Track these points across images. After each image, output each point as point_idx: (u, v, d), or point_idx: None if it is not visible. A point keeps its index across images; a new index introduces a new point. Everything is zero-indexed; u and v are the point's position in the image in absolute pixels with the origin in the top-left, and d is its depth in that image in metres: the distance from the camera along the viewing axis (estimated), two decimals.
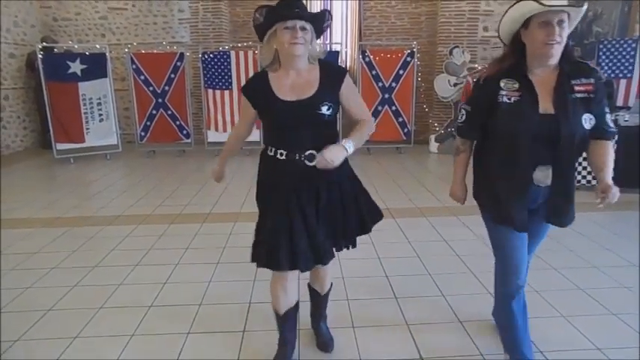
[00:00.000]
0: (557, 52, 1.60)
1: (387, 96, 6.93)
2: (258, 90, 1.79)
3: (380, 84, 6.90)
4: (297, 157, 1.75)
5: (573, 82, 1.66)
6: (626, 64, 6.16)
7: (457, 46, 6.87)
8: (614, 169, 1.71)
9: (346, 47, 7.81)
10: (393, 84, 6.92)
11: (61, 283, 2.86)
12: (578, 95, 1.66)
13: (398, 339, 2.28)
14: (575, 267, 3.07)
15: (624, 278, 2.88)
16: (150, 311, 2.54)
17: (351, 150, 1.71)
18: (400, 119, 7.01)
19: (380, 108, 6.98)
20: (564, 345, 2.21)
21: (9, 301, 2.65)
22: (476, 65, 6.95)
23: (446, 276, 2.94)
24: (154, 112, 6.85)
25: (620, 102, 6.01)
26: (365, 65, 6.86)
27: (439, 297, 2.69)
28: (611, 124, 1.73)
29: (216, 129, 6.93)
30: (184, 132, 7.00)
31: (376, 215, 2.00)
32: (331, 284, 2.18)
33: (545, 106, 1.66)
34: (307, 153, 1.75)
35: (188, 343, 2.24)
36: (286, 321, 1.98)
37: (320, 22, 1.76)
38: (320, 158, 1.64)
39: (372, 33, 7.77)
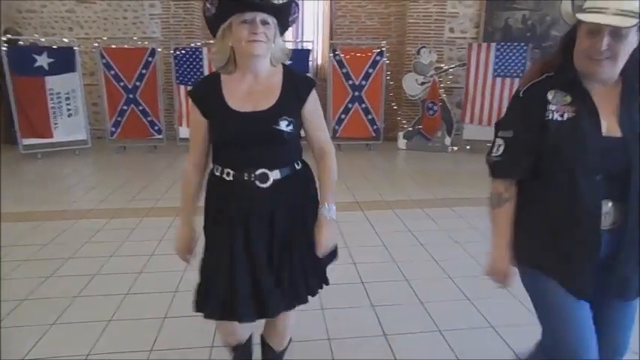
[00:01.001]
0: (608, 70, 1.22)
1: (357, 94, 7.12)
2: (208, 95, 1.49)
3: (350, 82, 7.08)
4: (245, 177, 1.46)
5: None
6: None
7: (424, 47, 7.12)
8: None
9: (317, 45, 7.95)
10: (363, 82, 7.11)
11: (34, 275, 2.89)
12: None
13: (362, 315, 2.44)
14: None
15: None
16: (126, 299, 2.62)
17: (334, 214, 1.54)
18: (370, 116, 7.21)
19: (350, 105, 7.16)
20: None
21: None
22: (442, 65, 7.23)
23: (409, 263, 3.14)
24: (125, 107, 6.80)
25: None
26: (335, 63, 7.02)
27: (403, 281, 2.88)
28: None
29: (188, 125, 6.91)
30: (156, 128, 6.98)
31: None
32: (290, 340, 1.86)
33: (609, 126, 1.26)
34: (259, 172, 1.46)
35: (165, 328, 2.34)
36: (237, 353, 1.80)
37: (285, 15, 1.46)
38: (319, 246, 1.49)
39: (342, 32, 7.94)
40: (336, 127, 7.19)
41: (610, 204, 1.25)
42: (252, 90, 1.47)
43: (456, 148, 7.15)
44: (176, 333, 2.29)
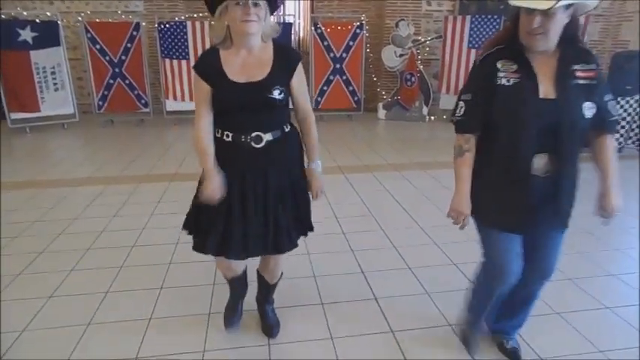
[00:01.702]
0: (542, 43, 1.47)
1: (338, 66, 7.37)
2: (210, 68, 1.69)
3: (331, 54, 7.31)
4: (242, 139, 1.69)
5: (575, 67, 1.52)
6: None
7: (402, 19, 7.36)
8: None
9: (299, 19, 8.11)
10: (344, 54, 7.35)
11: (43, 234, 3.17)
12: (580, 82, 1.52)
13: (343, 258, 2.81)
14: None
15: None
16: (132, 250, 2.92)
17: (320, 168, 1.85)
18: (350, 88, 7.49)
19: (331, 77, 7.41)
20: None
21: None
22: (420, 37, 7.50)
23: (385, 216, 3.51)
24: (112, 81, 6.92)
25: None
26: (317, 36, 7.23)
27: (379, 231, 3.25)
28: (614, 112, 1.60)
29: (175, 98, 7.12)
30: (142, 101, 7.13)
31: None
32: (281, 274, 2.14)
33: (546, 90, 1.52)
34: (254, 135, 1.69)
35: (170, 272, 2.67)
36: (234, 282, 2.08)
37: None
38: (314, 196, 1.86)
39: (323, 6, 8.09)
40: (319, 99, 7.46)
41: (546, 156, 1.54)
42: (245, 63, 1.68)
43: (433, 117, 7.51)
44: (180, 277, 2.62)
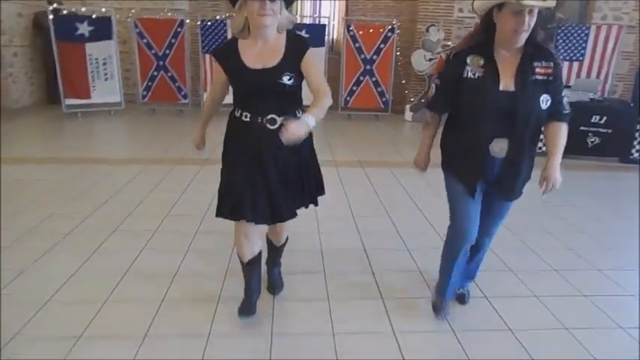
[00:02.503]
0: (523, 39, 1.74)
1: (368, 67, 7.65)
2: (228, 56, 1.90)
3: (362, 56, 7.60)
4: (259, 120, 1.89)
5: (535, 63, 1.78)
6: (579, 47, 6.96)
7: (433, 25, 7.57)
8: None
9: (333, 21, 8.45)
10: (374, 57, 7.63)
11: (92, 200, 3.63)
12: (538, 77, 1.78)
13: (349, 236, 3.11)
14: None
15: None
16: (166, 218, 3.33)
17: (312, 124, 1.73)
18: (379, 89, 7.76)
19: (361, 78, 7.71)
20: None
21: (28, 229, 3.41)
22: (449, 43, 7.67)
23: (393, 205, 3.78)
24: (155, 73, 7.48)
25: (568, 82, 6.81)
26: (349, 38, 7.54)
27: (385, 217, 3.53)
28: (567, 107, 1.88)
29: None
30: (182, 93, 7.66)
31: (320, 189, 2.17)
32: (287, 238, 2.37)
33: (506, 83, 1.79)
34: (269, 117, 1.88)
35: (196, 238, 3.05)
36: (251, 269, 2.14)
37: None
38: (284, 132, 1.67)
39: (357, 9, 8.40)
40: (348, 98, 7.77)
41: (505, 140, 1.85)
42: (261, 52, 1.88)
43: None
44: (203, 244, 3.00)
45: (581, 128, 5.39)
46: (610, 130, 5.38)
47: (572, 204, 4.02)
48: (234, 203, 1.94)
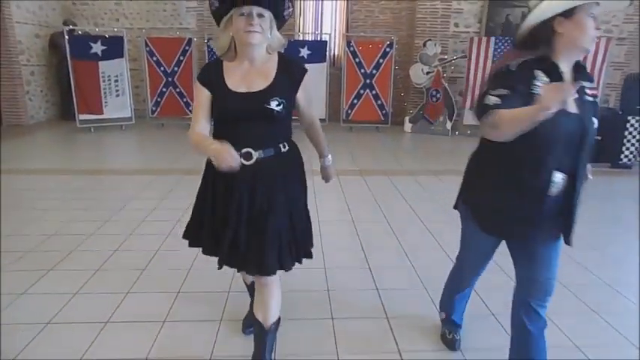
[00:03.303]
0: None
1: (368, 81, 7.96)
2: (211, 75, 1.68)
3: (362, 70, 7.92)
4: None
5: (584, 83, 1.53)
6: None
7: (430, 39, 7.88)
8: None
9: (334, 37, 8.79)
10: (374, 71, 7.94)
11: (98, 218, 3.90)
12: (589, 98, 1.55)
13: (347, 239, 3.34)
14: None
15: None
16: (177, 225, 3.59)
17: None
18: (379, 102, 8.05)
19: (362, 92, 8.01)
20: None
21: (50, 233, 3.69)
22: (445, 56, 7.98)
23: (391, 210, 4.01)
24: (164, 89, 7.83)
25: None
26: (350, 54, 7.86)
27: (384, 222, 3.76)
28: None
29: None
30: (190, 108, 7.97)
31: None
32: (279, 319, 1.87)
33: (570, 105, 1.48)
34: (244, 151, 1.63)
35: None
36: (250, 289, 2.12)
37: (279, 8, 1.65)
38: (327, 178, 1.96)
39: (357, 25, 8.75)
40: (349, 111, 8.06)
41: (561, 175, 1.52)
42: (247, 74, 1.66)
43: (457, 132, 7.92)
44: None
45: None
46: (600, 137, 5.61)
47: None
48: (206, 245, 1.83)
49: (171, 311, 2.38)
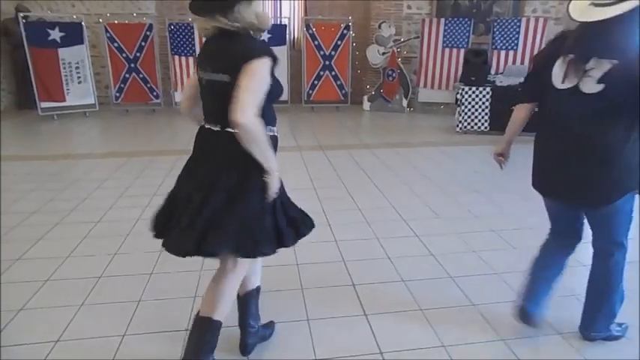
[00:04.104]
0: None
1: (327, 63, 8.30)
2: None
3: (321, 52, 8.24)
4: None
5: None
6: (513, 38, 7.82)
7: (385, 21, 8.28)
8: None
9: (293, 21, 9.05)
10: (333, 53, 8.28)
11: (75, 197, 4.12)
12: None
13: (310, 205, 3.74)
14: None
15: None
16: (153, 199, 3.87)
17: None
18: (338, 82, 8.42)
19: (322, 73, 8.34)
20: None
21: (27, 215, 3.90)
22: (400, 38, 8.41)
23: (351, 181, 4.44)
24: (127, 75, 7.88)
25: (501, 69, 7.64)
26: (309, 37, 8.16)
27: (344, 190, 4.18)
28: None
29: (182, 90, 8.06)
30: (154, 93, 8.08)
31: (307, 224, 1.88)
32: (220, 322, 1.72)
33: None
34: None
35: None
36: (240, 303, 1.97)
37: None
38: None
39: (315, 9, 9.02)
40: (310, 92, 8.40)
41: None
42: None
43: (412, 109, 8.43)
44: None
45: (512, 108, 6.20)
46: (537, 109, 6.23)
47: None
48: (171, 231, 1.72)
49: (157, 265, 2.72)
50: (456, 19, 8.04)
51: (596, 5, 1.68)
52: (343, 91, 8.49)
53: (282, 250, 1.74)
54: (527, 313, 2.07)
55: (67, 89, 7.58)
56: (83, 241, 3.05)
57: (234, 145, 1.54)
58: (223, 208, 1.60)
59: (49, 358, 1.95)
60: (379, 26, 8.29)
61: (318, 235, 3.10)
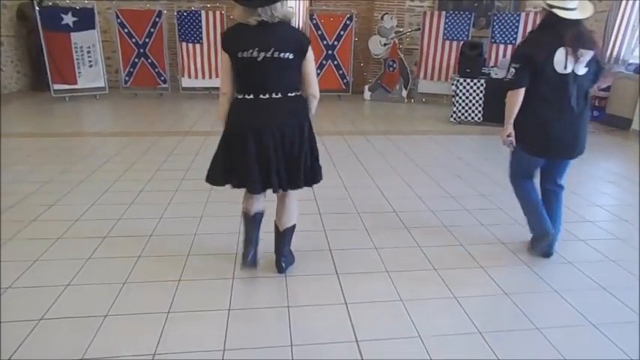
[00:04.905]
0: None
1: (330, 52, 8.53)
2: None
3: (324, 42, 8.47)
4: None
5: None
6: (512, 32, 7.98)
7: (387, 13, 8.47)
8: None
9: (299, 11, 9.27)
10: (335, 42, 8.51)
11: (86, 170, 4.44)
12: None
13: None
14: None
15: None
16: (156, 174, 4.17)
17: None
18: (340, 72, 8.65)
19: (324, 62, 8.58)
20: None
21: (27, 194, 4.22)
22: (401, 29, 8.60)
23: (343, 166, 4.71)
24: (136, 60, 8.19)
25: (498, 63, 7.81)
26: (312, 26, 8.39)
27: (333, 169, 4.45)
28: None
29: (189, 76, 8.38)
30: (162, 78, 8.38)
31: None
32: (294, 226, 2.46)
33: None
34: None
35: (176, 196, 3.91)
36: (251, 221, 2.42)
37: None
38: None
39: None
40: None
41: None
42: None
43: (412, 99, 8.65)
44: (182, 199, 3.86)
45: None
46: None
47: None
48: (235, 176, 2.27)
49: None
50: (456, 12, 8.21)
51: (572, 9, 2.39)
52: (345, 81, 8.72)
53: None
54: (551, 235, 2.73)
55: (79, 72, 7.90)
56: (91, 207, 3.37)
57: (295, 105, 2.25)
58: (297, 154, 2.25)
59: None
60: (382, 18, 8.48)
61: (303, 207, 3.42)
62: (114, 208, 3.34)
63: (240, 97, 2.21)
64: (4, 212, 3.21)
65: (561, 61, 2.40)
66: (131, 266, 2.56)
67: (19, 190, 3.63)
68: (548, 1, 2.42)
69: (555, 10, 2.38)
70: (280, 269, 2.51)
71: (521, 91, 2.48)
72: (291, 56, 2.13)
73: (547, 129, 2.51)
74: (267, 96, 2.17)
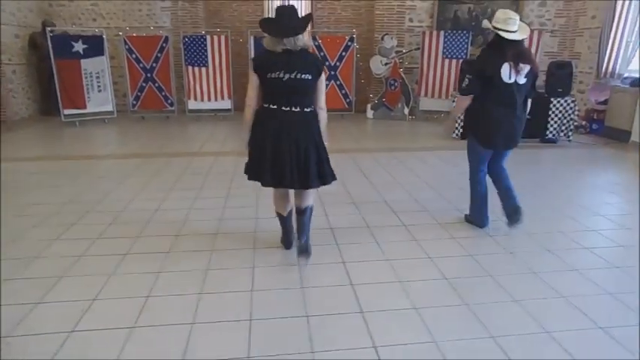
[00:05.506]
0: None
1: (332, 73, 8.75)
2: None
3: (327, 63, 8.69)
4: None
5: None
6: None
7: (387, 34, 8.72)
8: None
9: None
10: (338, 63, 8.74)
11: (104, 190, 4.57)
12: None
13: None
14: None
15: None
16: (171, 193, 4.29)
17: None
18: (343, 91, 8.86)
19: (327, 82, 8.76)
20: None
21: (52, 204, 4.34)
22: (401, 49, 8.83)
23: (348, 179, 4.82)
24: (144, 84, 8.41)
25: None
26: (315, 48, 8.62)
27: (341, 185, 4.57)
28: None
29: (195, 99, 8.58)
30: (169, 101, 8.59)
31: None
32: (311, 209, 2.87)
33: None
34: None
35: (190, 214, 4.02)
36: (285, 219, 3.00)
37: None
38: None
39: (322, 22, 9.51)
40: None
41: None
42: None
43: (413, 117, 8.82)
44: (195, 219, 3.97)
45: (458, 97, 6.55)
46: (530, 116, 6.56)
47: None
48: (268, 175, 2.69)
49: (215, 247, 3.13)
50: (455, 31, 8.45)
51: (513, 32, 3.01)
52: (348, 100, 8.92)
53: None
54: (519, 209, 3.31)
55: (88, 97, 8.12)
56: (110, 227, 3.48)
57: (309, 118, 2.68)
58: (315, 158, 2.70)
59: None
60: (382, 38, 8.73)
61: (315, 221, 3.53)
62: (131, 227, 3.44)
63: (265, 105, 2.65)
64: (27, 231, 3.33)
65: (506, 73, 3.01)
66: (153, 281, 2.66)
67: (41, 211, 3.75)
68: (494, 25, 3.02)
69: (500, 32, 2.98)
70: (303, 250, 2.80)
71: (470, 97, 3.16)
72: (309, 77, 2.59)
73: (498, 126, 3.15)
74: (288, 109, 2.60)
